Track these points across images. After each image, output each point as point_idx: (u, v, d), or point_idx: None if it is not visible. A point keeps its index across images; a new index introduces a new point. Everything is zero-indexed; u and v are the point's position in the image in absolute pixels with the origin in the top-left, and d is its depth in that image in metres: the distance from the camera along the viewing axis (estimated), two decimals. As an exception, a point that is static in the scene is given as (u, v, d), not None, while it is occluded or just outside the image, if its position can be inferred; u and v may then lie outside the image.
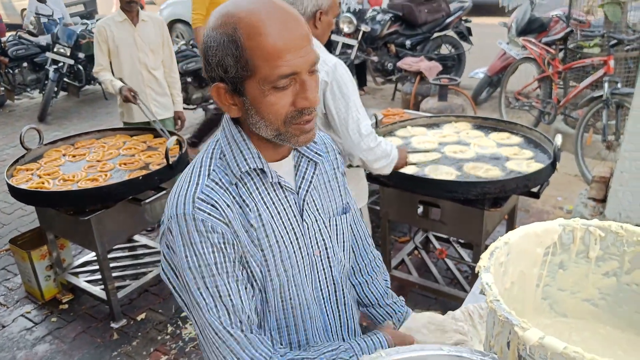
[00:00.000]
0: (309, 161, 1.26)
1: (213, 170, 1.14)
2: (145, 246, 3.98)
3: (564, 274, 1.23)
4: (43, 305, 3.56)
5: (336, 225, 1.32)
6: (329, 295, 1.32)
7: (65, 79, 7.54)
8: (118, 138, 3.73)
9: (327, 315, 1.33)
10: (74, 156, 3.46)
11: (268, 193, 1.18)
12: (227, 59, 1.03)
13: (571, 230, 1.18)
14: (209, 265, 1.09)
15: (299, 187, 1.23)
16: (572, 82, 5.39)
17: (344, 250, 1.35)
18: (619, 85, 4.49)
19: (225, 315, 1.11)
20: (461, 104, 5.06)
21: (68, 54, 7.26)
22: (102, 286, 3.31)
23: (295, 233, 1.21)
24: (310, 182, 1.25)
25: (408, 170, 2.80)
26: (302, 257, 1.23)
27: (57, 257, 3.53)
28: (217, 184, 1.13)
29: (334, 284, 1.33)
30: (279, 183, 1.18)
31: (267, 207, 1.17)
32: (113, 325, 3.32)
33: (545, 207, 4.37)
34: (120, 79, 3.92)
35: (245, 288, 1.15)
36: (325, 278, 1.30)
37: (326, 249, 1.29)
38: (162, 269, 1.19)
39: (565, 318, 1.27)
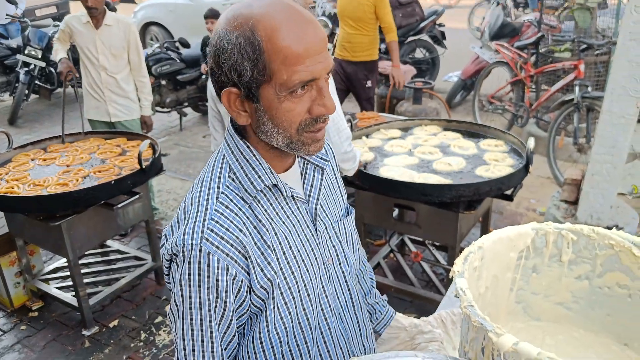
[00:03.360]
0: (315, 167, 1.21)
1: (222, 192, 1.07)
2: (118, 251, 3.92)
3: (537, 278, 1.23)
4: (12, 312, 3.47)
5: (344, 228, 1.29)
6: (346, 302, 1.28)
7: (36, 82, 7.39)
8: (92, 141, 3.66)
9: (347, 324, 1.28)
10: (44, 160, 3.38)
11: (282, 207, 1.12)
12: (243, 62, 0.97)
13: (544, 234, 1.19)
14: (199, 303, 1.04)
15: (309, 196, 1.18)
16: (544, 86, 5.48)
17: (353, 252, 1.33)
18: (590, 89, 4.57)
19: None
20: (435, 107, 5.10)
21: (39, 56, 7.11)
22: (74, 293, 3.24)
23: (310, 244, 1.17)
24: (319, 189, 1.19)
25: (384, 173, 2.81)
26: (319, 267, 1.19)
27: (26, 264, 3.45)
28: (227, 207, 1.05)
29: (349, 290, 1.29)
30: (292, 196, 1.13)
31: (283, 223, 1.12)
32: (85, 332, 3.25)
33: (519, 209, 4.42)
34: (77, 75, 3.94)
35: (225, 332, 1.08)
36: (341, 285, 1.26)
37: (337, 255, 1.25)
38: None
39: (539, 322, 1.27)
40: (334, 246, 1.24)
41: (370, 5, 4.46)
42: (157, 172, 3.31)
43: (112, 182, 2.94)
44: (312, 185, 1.19)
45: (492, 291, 1.19)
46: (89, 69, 3.94)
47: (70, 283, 3.31)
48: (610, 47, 4.87)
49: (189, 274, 1.02)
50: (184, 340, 1.06)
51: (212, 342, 1.06)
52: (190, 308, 1.04)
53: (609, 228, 3.47)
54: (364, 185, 2.85)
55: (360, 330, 1.33)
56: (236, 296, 1.06)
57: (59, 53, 3.98)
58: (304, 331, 1.17)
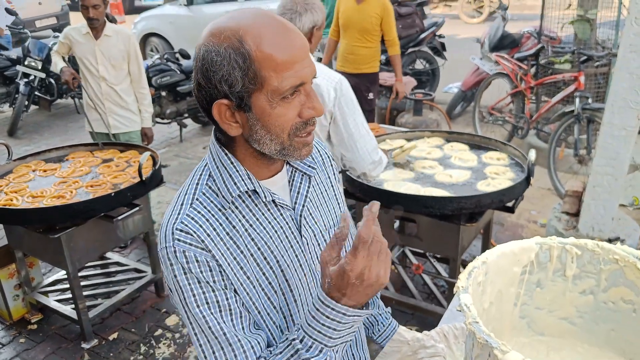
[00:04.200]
0: (302, 175, 1.23)
1: (197, 198, 1.11)
2: (118, 263, 3.90)
3: (542, 293, 1.23)
4: (11, 325, 3.45)
5: None
6: None
7: (36, 93, 7.40)
8: (112, 153, 3.63)
9: None
10: (44, 171, 3.38)
11: (263, 213, 1.14)
12: (234, 72, 1.00)
13: (548, 248, 1.18)
14: (195, 298, 1.07)
15: (295, 203, 1.20)
16: (544, 97, 5.49)
17: None
18: (590, 100, 4.58)
19: (219, 348, 1.09)
20: (436, 118, 5.11)
21: (39, 67, 7.13)
22: (73, 305, 3.22)
23: (294, 250, 1.18)
24: (306, 196, 1.22)
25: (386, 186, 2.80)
26: (305, 274, 1.20)
27: (25, 276, 3.43)
28: (199, 212, 1.09)
29: None
30: (274, 201, 1.15)
31: (264, 228, 1.14)
32: (84, 345, 3.23)
33: (519, 220, 4.41)
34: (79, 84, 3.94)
35: (240, 315, 1.10)
36: None
37: None
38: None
39: (543, 337, 1.27)
40: None
41: (377, 18, 4.49)
42: (158, 184, 3.30)
43: (112, 194, 2.93)
44: (298, 192, 1.21)
45: (496, 306, 1.18)
46: (89, 81, 3.94)
47: (70, 295, 3.30)
48: (610, 58, 4.89)
49: (175, 276, 1.07)
50: (206, 342, 1.09)
51: (224, 332, 1.08)
52: (197, 306, 1.07)
53: (611, 240, 3.45)
54: (365, 197, 2.84)
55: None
56: (222, 281, 1.08)
57: (59, 64, 4.00)
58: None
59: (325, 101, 2.27)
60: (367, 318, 1.52)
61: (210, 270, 1.07)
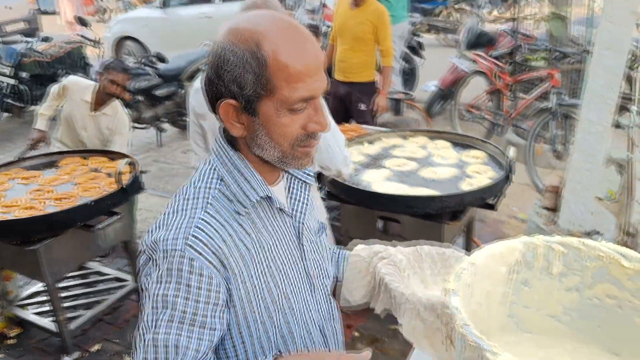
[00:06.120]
0: (301, 183, 1.23)
1: (209, 203, 1.07)
2: (98, 273, 3.83)
3: (529, 291, 1.23)
4: (-11, 340, 3.38)
5: (322, 241, 1.31)
6: (328, 315, 1.29)
7: (8, 100, 7.25)
8: (100, 163, 3.56)
9: (327, 337, 1.29)
10: (25, 178, 3.32)
11: (272, 221, 1.14)
12: (246, 75, 1.00)
13: (534, 247, 1.19)
14: (176, 308, 1.00)
15: (293, 210, 1.20)
16: (521, 95, 5.55)
17: (331, 265, 1.35)
18: (565, 96, 4.64)
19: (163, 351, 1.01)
20: (416, 117, 5.13)
21: (10, 73, 7.00)
22: (53, 318, 3.16)
23: (294, 257, 1.18)
24: (306, 204, 1.22)
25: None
26: (303, 280, 1.20)
27: (2, 290, 3.35)
28: (213, 217, 1.06)
29: (330, 302, 1.30)
30: (281, 209, 1.15)
31: (271, 236, 1.13)
32: (66, 358, 3.16)
33: (501, 217, 4.44)
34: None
35: (213, 329, 1.04)
36: (323, 298, 1.27)
37: (320, 268, 1.26)
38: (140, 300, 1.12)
39: (532, 335, 1.27)
40: (317, 260, 1.25)
41: (370, 25, 4.29)
42: (137, 191, 3.26)
43: (91, 202, 2.88)
44: (298, 200, 1.21)
45: (484, 307, 1.18)
46: (69, 131, 3.90)
47: (49, 308, 3.23)
48: (584, 55, 4.95)
49: (163, 281, 1.00)
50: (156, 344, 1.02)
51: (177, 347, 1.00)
52: (171, 321, 1.00)
53: (589, 234, 3.44)
54: (349, 199, 2.84)
55: (337, 342, 1.34)
56: (216, 305, 1.03)
57: (39, 123, 3.95)
58: (287, 343, 1.17)
59: None
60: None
61: (209, 290, 1.02)
